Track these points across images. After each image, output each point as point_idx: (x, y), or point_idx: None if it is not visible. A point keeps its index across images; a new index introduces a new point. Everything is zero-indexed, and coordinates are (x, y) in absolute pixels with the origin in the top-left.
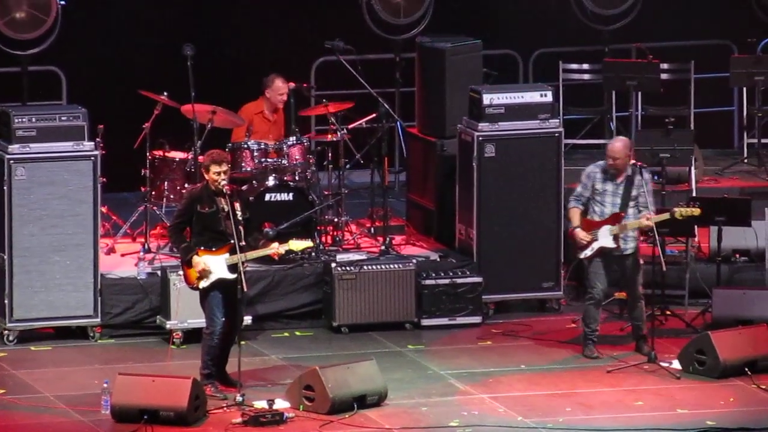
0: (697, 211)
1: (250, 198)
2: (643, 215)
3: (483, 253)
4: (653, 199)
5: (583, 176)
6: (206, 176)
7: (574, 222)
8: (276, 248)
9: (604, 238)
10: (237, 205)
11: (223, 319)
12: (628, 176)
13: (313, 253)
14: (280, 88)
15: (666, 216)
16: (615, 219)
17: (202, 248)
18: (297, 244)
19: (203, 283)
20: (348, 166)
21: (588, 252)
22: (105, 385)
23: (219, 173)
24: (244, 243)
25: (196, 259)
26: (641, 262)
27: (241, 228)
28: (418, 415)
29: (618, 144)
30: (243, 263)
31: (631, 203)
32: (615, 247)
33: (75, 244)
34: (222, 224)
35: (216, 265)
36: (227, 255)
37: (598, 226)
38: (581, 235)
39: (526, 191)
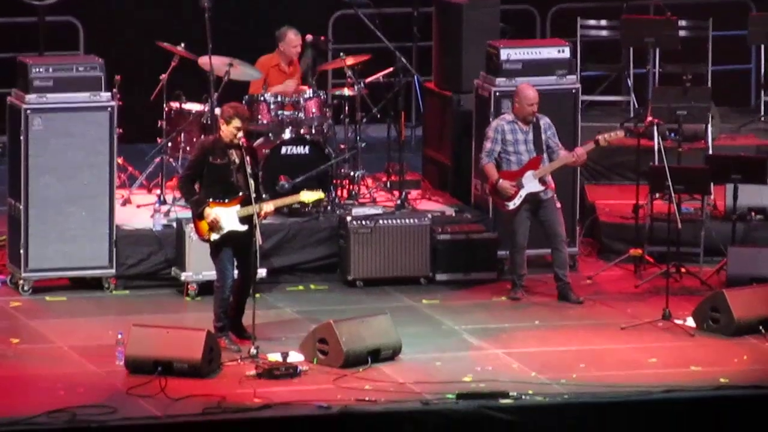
0: (621, 134)
1: (265, 150)
2: (564, 153)
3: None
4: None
5: (490, 132)
6: (224, 128)
7: (493, 176)
8: (267, 209)
9: (530, 183)
10: (248, 159)
11: (234, 271)
12: (532, 123)
13: (328, 207)
14: (292, 40)
15: (592, 146)
16: (535, 163)
17: (214, 200)
18: (308, 196)
19: (214, 236)
20: (364, 121)
21: (517, 201)
22: (119, 337)
23: (239, 129)
24: (255, 195)
25: (207, 210)
26: (558, 205)
27: (251, 180)
28: (432, 369)
29: (532, 91)
30: (258, 215)
31: (544, 146)
32: (543, 190)
33: (91, 195)
34: (233, 176)
35: (227, 217)
36: (238, 207)
37: (521, 174)
38: (506, 185)
39: None
